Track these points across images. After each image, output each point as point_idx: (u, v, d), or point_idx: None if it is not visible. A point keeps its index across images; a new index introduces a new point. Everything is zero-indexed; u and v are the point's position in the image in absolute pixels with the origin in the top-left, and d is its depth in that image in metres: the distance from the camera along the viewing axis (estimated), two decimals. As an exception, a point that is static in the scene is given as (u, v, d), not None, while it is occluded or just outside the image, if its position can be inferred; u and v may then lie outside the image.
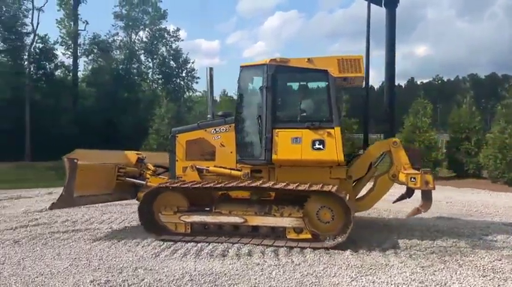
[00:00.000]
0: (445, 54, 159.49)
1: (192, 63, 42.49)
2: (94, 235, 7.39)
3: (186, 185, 6.93)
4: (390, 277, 5.15)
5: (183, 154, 7.64)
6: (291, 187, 6.61)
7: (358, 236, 7.02)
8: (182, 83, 42.26)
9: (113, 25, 40.73)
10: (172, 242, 6.66)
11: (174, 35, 41.97)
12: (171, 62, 41.82)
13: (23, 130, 29.14)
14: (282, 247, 6.34)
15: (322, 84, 7.16)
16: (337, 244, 6.29)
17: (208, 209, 7.07)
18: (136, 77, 39.52)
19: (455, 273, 5.31)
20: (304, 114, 7.02)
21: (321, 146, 6.72)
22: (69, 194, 7.01)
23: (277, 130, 6.90)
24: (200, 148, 7.58)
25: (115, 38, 39.64)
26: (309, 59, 7.04)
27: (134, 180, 7.95)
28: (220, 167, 7.40)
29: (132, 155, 8.35)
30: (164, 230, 7.07)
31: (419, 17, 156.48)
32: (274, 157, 6.87)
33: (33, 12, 32.15)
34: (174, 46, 41.82)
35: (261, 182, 6.88)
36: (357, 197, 7.59)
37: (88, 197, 7.56)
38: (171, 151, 7.75)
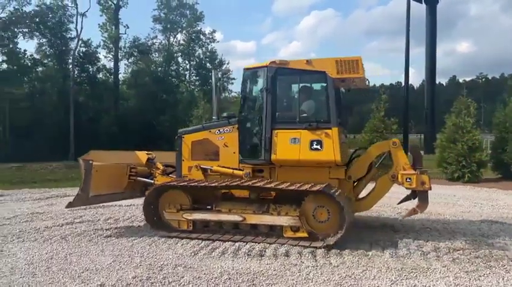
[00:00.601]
0: (489, 51, 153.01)
1: (227, 64, 42.98)
2: (135, 232, 7.61)
3: (182, 184, 7.21)
4: (432, 281, 5.02)
5: (188, 154, 7.86)
6: (281, 186, 6.72)
7: (397, 238, 6.90)
8: (218, 84, 42.73)
9: (151, 28, 41.87)
10: (210, 241, 6.76)
11: (210, 36, 42.60)
12: (207, 64, 42.42)
13: (68, 131, 30.41)
14: (271, 244, 6.52)
15: (321, 85, 7.26)
16: (333, 243, 6.32)
17: (209, 207, 7.29)
18: (174, 79, 40.36)
19: (502, 279, 5.11)
20: (303, 115, 7.11)
21: (318, 147, 6.81)
22: (85, 194, 7.41)
23: (276, 131, 7.03)
24: (205, 148, 7.78)
25: (154, 41, 40.71)
26: (307, 60, 7.12)
27: (144, 179, 8.24)
28: (224, 167, 7.58)
29: (142, 155, 8.63)
30: (168, 227, 7.33)
31: (461, 13, 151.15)
32: (273, 157, 7.01)
33: (77, 18, 33.55)
34: (210, 48, 42.46)
35: (253, 181, 7.02)
36: (359, 197, 7.61)
37: (102, 196, 7.95)
38: (178, 151, 7.97)
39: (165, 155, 8.87)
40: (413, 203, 7.21)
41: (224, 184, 7.01)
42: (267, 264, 5.66)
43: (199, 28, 41.96)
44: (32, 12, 31.48)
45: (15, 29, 30.60)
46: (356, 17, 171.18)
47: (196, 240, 6.85)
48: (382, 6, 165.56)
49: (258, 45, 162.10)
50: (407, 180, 6.72)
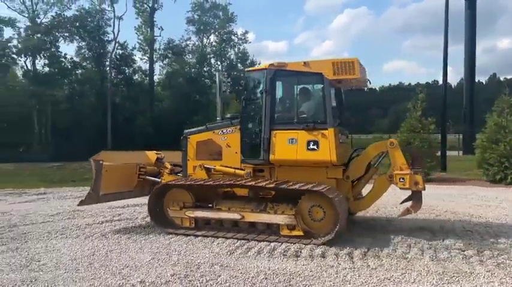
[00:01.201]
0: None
1: (258, 64, 43.04)
2: (172, 231, 7.72)
3: (180, 183, 7.64)
4: (476, 286, 4.85)
5: (193, 153, 8.11)
6: (271, 185, 6.90)
7: (436, 240, 6.72)
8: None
9: (185, 30, 42.53)
10: (246, 241, 6.80)
11: (242, 37, 42.82)
12: (239, 65, 42.65)
13: (106, 131, 31.34)
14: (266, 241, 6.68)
15: (318, 86, 7.37)
16: (327, 241, 6.46)
17: (210, 205, 7.48)
18: (207, 80, 40.83)
19: (552, 286, 4.86)
20: (300, 116, 7.23)
21: (315, 147, 6.93)
22: (96, 193, 7.73)
23: (275, 131, 7.19)
24: (209, 148, 8.00)
25: (187, 42, 41.31)
26: (305, 62, 7.24)
27: (152, 178, 8.52)
28: (226, 166, 7.79)
29: (152, 155, 8.90)
30: (171, 224, 7.59)
31: (502, 7, 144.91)
32: (271, 157, 7.18)
33: (114, 21, 34.51)
34: (241, 48, 42.68)
35: (245, 180, 7.28)
36: (359, 196, 7.69)
37: (112, 194, 8.26)
38: (184, 151, 8.22)
39: (174, 155, 9.08)
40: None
41: (218, 183, 7.32)
42: (303, 265, 5.63)
43: (231, 29, 42.31)
44: (72, 16, 32.64)
45: (57, 33, 31.80)
46: (390, 15, 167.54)
47: (232, 239, 6.91)
48: (416, 3, 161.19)
49: (290, 45, 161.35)
50: (401, 180, 6.78)
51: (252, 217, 7.12)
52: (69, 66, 32.29)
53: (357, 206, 7.61)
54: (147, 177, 8.54)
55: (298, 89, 7.45)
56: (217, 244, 6.74)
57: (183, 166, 8.28)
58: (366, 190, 7.76)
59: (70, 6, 33.21)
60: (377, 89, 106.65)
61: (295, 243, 6.54)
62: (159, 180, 8.35)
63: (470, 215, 9.15)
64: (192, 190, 7.56)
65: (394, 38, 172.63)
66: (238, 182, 7.22)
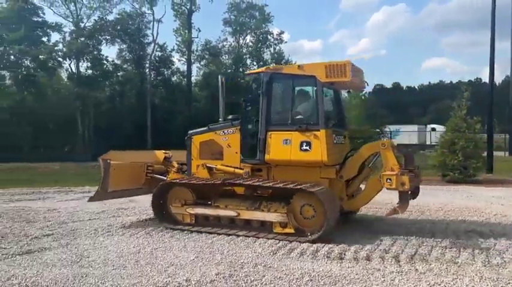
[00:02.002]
0: None
1: (295, 63, 42.76)
2: (214, 230, 7.79)
3: (177, 181, 8.17)
4: (534, 294, 4.60)
5: (197, 153, 8.48)
6: (258, 183, 7.29)
7: (487, 245, 6.44)
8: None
9: (222, 31, 42.88)
10: (288, 242, 6.76)
11: (278, 37, 42.72)
12: (274, 65, 42.55)
13: (145, 131, 32.13)
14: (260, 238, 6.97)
15: (311, 89, 7.64)
16: (317, 238, 6.68)
17: (210, 203, 7.80)
18: (242, 81, 41.01)
19: None
20: (294, 117, 7.46)
21: (307, 148, 7.16)
22: (104, 190, 8.21)
23: (270, 132, 7.47)
24: (211, 148, 8.36)
25: (224, 43, 41.65)
26: (299, 66, 7.63)
27: (159, 176, 8.87)
28: (226, 165, 8.10)
29: (160, 154, 9.34)
30: (174, 220, 7.98)
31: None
32: (266, 157, 7.47)
33: (153, 24, 35.29)
34: (277, 49, 42.58)
35: (233, 179, 7.69)
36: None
37: (120, 191, 8.74)
38: (188, 151, 8.61)
39: (182, 154, 9.22)
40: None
41: (212, 182, 7.76)
42: (348, 267, 5.53)
43: (267, 29, 42.30)
44: (114, 20, 33.68)
45: (99, 37, 32.91)
46: (429, 11, 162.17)
47: (274, 240, 6.90)
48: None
49: (325, 43, 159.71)
50: (388, 181, 6.81)
51: (247, 214, 7.40)
52: (111, 69, 33.33)
53: (350, 205, 7.74)
54: (155, 175, 8.92)
55: (293, 92, 7.66)
56: (259, 244, 6.73)
57: (187, 165, 8.70)
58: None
59: (111, 10, 34.31)
60: (416, 87, 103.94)
61: (288, 241, 6.77)
62: (165, 178, 8.71)
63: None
64: (193, 187, 7.93)
65: (433, 35, 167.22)
66: (227, 181, 7.58)
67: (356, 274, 5.25)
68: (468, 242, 6.70)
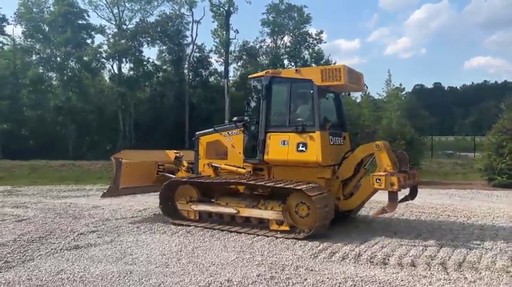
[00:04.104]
0: None
1: (334, 63, 42.22)
2: (254, 231, 7.79)
3: (177, 180, 8.65)
4: None
5: (203, 153, 8.97)
6: (252, 181, 7.66)
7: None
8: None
9: (260, 32, 42.89)
10: (329, 245, 6.66)
11: (317, 37, 42.25)
12: (313, 65, 42.17)
13: (184, 130, 32.69)
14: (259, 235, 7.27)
15: (307, 92, 7.81)
16: (310, 235, 6.96)
17: (212, 200, 8.24)
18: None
19: None
20: (292, 119, 7.77)
21: (303, 149, 7.48)
22: (116, 186, 8.76)
23: (269, 134, 7.84)
24: (216, 148, 8.83)
25: (261, 44, 41.67)
26: (297, 69, 7.99)
27: (169, 174, 9.36)
28: (230, 165, 8.51)
29: (171, 154, 9.81)
30: (180, 216, 8.46)
31: None
32: (265, 157, 7.83)
33: (192, 25, 35.82)
34: (316, 49, 42.14)
35: (228, 178, 8.13)
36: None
37: (132, 188, 9.29)
38: (195, 151, 9.09)
39: (192, 154, 9.47)
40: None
41: (210, 181, 8.26)
42: (393, 273, 5.37)
43: (306, 30, 41.95)
44: (155, 22, 34.46)
45: (141, 39, 33.78)
46: (473, 8, 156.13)
47: (313, 242, 6.82)
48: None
49: (363, 43, 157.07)
50: (377, 181, 6.94)
51: (246, 211, 7.75)
52: (152, 70, 34.12)
53: (345, 205, 7.91)
54: (165, 174, 9.41)
55: (291, 95, 7.93)
56: (300, 246, 6.68)
57: (194, 164, 9.14)
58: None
59: (152, 12, 35.11)
60: (458, 87, 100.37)
61: (285, 238, 7.02)
62: (175, 176, 9.15)
63: None
64: (197, 185, 8.36)
65: (477, 34, 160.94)
66: (225, 180, 8.01)
67: (401, 280, 5.09)
68: (520, 251, 6.36)
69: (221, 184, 8.24)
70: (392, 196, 6.98)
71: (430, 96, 78.38)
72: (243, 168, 8.31)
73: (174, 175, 9.39)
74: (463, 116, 77.38)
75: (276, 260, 5.92)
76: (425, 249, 6.45)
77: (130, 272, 5.37)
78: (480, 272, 5.39)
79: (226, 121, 9.10)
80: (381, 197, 8.04)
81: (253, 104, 8.75)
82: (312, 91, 7.62)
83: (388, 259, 5.95)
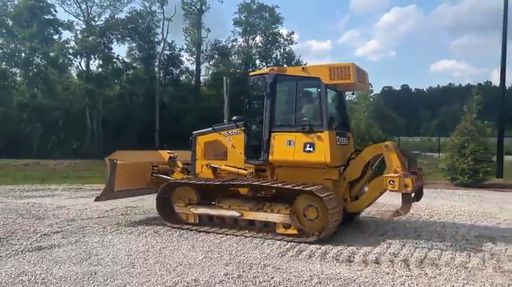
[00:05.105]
0: None
1: (305, 65, 42.58)
2: (222, 230, 7.78)
3: (176, 182, 8.25)
4: (547, 301, 4.54)
5: (201, 153, 8.61)
6: (265, 184, 7.30)
7: (498, 250, 6.37)
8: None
9: (232, 31, 42.79)
10: (296, 243, 6.74)
11: (288, 38, 42.55)
12: (284, 65, 42.38)
13: (154, 130, 32.26)
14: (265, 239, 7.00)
15: (315, 91, 7.67)
16: (320, 239, 6.74)
17: (213, 203, 7.90)
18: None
19: None
20: (298, 119, 7.51)
21: (311, 149, 7.21)
22: (111, 189, 8.31)
23: (274, 133, 7.54)
24: (215, 148, 8.48)
25: (233, 43, 41.60)
26: (303, 67, 7.78)
27: (164, 176, 8.90)
28: (230, 166, 8.17)
29: (165, 154, 9.40)
30: (178, 219, 8.05)
31: None
32: (270, 157, 7.53)
33: (163, 23, 35.32)
34: (287, 49, 42.44)
35: (229, 179, 7.81)
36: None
37: (126, 191, 8.80)
38: (192, 151, 8.70)
39: (187, 154, 9.24)
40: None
41: (210, 182, 7.82)
42: (357, 270, 5.50)
43: (277, 30, 42.15)
44: (125, 19, 33.78)
45: (110, 35, 33.03)
46: (439, 12, 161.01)
47: (281, 241, 6.89)
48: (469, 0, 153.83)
49: (334, 44, 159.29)
50: (391, 183, 6.78)
51: (250, 215, 7.45)
52: (121, 67, 33.44)
53: (353, 207, 7.72)
54: (160, 175, 8.96)
55: (297, 93, 7.68)
56: (268, 245, 6.73)
57: (191, 165, 8.76)
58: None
59: (122, 8, 34.38)
60: (425, 90, 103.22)
61: (292, 242, 6.79)
62: (169, 178, 8.76)
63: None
64: (196, 187, 7.99)
65: (443, 38, 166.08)
66: (232, 182, 7.66)
67: (365, 277, 5.22)
68: (478, 247, 6.64)
69: (226, 186, 7.82)
70: (406, 197, 6.85)
71: (397, 98, 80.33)
72: (245, 169, 7.99)
73: (169, 176, 8.98)
74: (430, 118, 79.61)
75: (244, 259, 5.95)
76: (389, 247, 6.63)
77: (95, 273, 5.27)
78: (440, 268, 5.60)
79: (225, 120, 8.75)
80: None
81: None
82: (319, 89, 7.42)
83: (354, 257, 6.08)
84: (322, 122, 7.24)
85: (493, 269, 5.56)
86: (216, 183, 7.73)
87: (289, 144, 7.38)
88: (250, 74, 8.31)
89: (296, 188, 6.95)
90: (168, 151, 9.58)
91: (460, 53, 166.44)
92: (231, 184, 7.71)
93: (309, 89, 7.90)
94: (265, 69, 8.01)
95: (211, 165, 8.39)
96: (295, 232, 7.03)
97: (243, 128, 8.00)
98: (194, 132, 8.86)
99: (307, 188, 6.83)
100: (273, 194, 7.66)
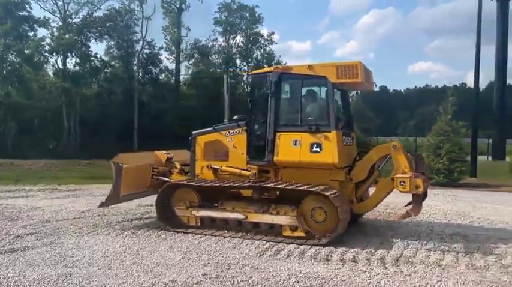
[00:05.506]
0: None
1: (285, 64, 42.76)
2: (201, 231, 7.75)
3: (176, 183, 7.97)
4: (516, 297, 4.68)
5: (201, 154, 8.33)
6: (280, 185, 7.07)
7: (471, 248, 6.53)
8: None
9: (212, 31, 42.62)
10: (275, 243, 6.76)
11: (268, 38, 42.66)
12: (265, 65, 42.49)
13: (132, 129, 31.86)
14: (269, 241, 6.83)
15: (321, 90, 7.56)
16: (329, 241, 6.58)
17: (216, 205, 7.72)
18: (233, 81, 40.85)
19: None
20: (304, 118, 7.36)
21: (318, 149, 7.04)
22: (116, 194, 7.89)
23: (279, 133, 7.34)
24: (216, 149, 8.21)
25: (214, 43, 41.45)
26: (309, 66, 7.40)
27: (164, 178, 8.55)
28: (232, 167, 7.92)
29: (162, 155, 9.04)
30: (179, 222, 7.80)
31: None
32: (275, 158, 7.32)
33: (142, 21, 34.93)
34: (267, 49, 42.57)
35: (247, 181, 7.47)
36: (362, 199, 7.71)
37: (130, 195, 8.44)
38: (192, 152, 8.42)
39: (181, 154, 9.13)
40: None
41: (210, 184, 7.59)
42: (335, 269, 5.55)
43: (257, 30, 42.22)
44: (103, 16, 33.25)
45: (88, 33, 32.46)
46: (417, 14, 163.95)
47: (260, 241, 6.90)
48: (446, 3, 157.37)
49: (314, 45, 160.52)
50: (402, 183, 6.74)
51: (256, 217, 7.29)
52: (99, 65, 32.90)
53: (360, 208, 7.64)
54: (160, 177, 8.63)
55: (303, 92, 7.56)
56: (247, 244, 6.73)
57: (191, 166, 8.49)
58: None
59: (100, 6, 33.81)
60: (402, 91, 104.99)
61: (300, 244, 6.64)
62: (169, 180, 8.47)
63: (505, 222, 8.87)
64: (198, 189, 7.76)
65: (420, 39, 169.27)
66: (238, 183, 7.43)
67: (342, 276, 5.27)
68: (452, 245, 6.79)
69: (229, 187, 7.60)
70: (417, 198, 6.81)
71: (375, 98, 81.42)
72: (247, 170, 7.74)
73: (167, 177, 8.63)
74: (407, 118, 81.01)
75: (222, 259, 5.94)
76: (367, 245, 6.71)
77: (70, 275, 5.17)
78: (415, 266, 5.71)
79: (225, 120, 8.53)
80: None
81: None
82: (326, 88, 7.28)
83: (331, 256, 6.14)
84: (330, 121, 7.08)
85: (465, 266, 5.70)
86: (225, 185, 7.47)
87: (295, 144, 7.19)
88: (252, 72, 8.10)
89: (312, 189, 6.75)
90: (165, 151, 9.21)
91: (437, 55, 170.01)
92: (241, 186, 7.46)
93: (315, 88, 7.78)
94: (268, 68, 7.81)
95: (212, 166, 8.13)
96: (302, 234, 6.87)
97: (245, 127, 7.78)
98: (194, 132, 8.59)
99: (326, 193, 6.62)
100: (277, 196, 7.48)
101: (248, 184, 7.35)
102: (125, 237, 7.21)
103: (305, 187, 6.88)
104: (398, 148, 7.10)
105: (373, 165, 7.47)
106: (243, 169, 7.79)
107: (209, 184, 7.58)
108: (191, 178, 8.26)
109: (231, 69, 41.07)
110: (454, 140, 16.27)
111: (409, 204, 7.23)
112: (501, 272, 5.50)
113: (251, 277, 5.16)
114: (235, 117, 8.24)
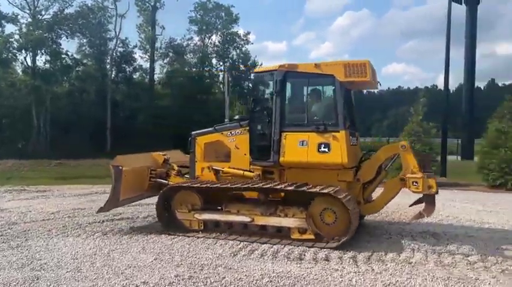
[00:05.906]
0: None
1: (260, 65, 42.89)
2: (174, 231, 7.67)
3: (177, 185, 7.66)
4: (482, 293, 4.82)
5: (201, 155, 8.07)
6: (291, 188, 6.77)
7: (440, 245, 6.70)
8: (251, 85, 42.84)
9: (187, 30, 42.32)
10: (249, 243, 6.76)
11: (245, 38, 42.69)
12: (241, 65, 42.51)
13: (105, 128, 31.29)
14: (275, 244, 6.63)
15: (329, 88, 7.41)
16: (340, 244, 6.42)
17: (220, 208, 7.46)
18: (208, 80, 40.69)
19: (558, 294, 4.84)
20: (311, 118, 7.21)
21: (326, 149, 6.87)
22: (116, 198, 7.61)
23: (285, 133, 7.14)
24: (217, 149, 7.97)
25: (189, 42, 41.17)
26: (316, 64, 7.20)
27: (162, 180, 8.29)
28: (234, 168, 7.71)
29: (159, 157, 8.76)
30: (180, 226, 7.53)
31: (501, 13, 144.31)
32: (281, 159, 7.12)
33: (116, 19, 34.37)
34: (243, 49, 42.59)
35: (253, 182, 7.20)
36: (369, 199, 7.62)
37: (130, 198, 8.19)
38: (191, 153, 8.17)
39: (175, 154, 9.00)
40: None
41: (214, 185, 7.31)
42: (307, 268, 5.59)
43: (234, 30, 42.18)
44: (75, 13, 32.50)
45: (59, 30, 31.68)
46: (391, 17, 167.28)
47: (234, 241, 6.87)
48: (418, 6, 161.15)
49: (289, 46, 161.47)
50: (414, 184, 6.70)
51: (262, 219, 7.07)
52: (71, 63, 32.16)
53: (368, 209, 7.52)
54: (158, 179, 8.35)
55: (309, 91, 7.44)
56: (220, 245, 6.70)
57: (190, 168, 8.22)
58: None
59: (72, 3, 33.04)
60: (375, 92, 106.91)
61: (309, 247, 6.46)
62: (166, 182, 8.22)
63: (472, 220, 9.13)
64: (201, 192, 7.49)
65: (395, 41, 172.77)
66: (246, 185, 7.12)
67: (315, 275, 5.32)
68: (422, 243, 6.94)
69: (233, 189, 7.34)
70: (429, 199, 6.75)
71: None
72: (250, 171, 7.53)
73: (164, 180, 8.34)
74: (381, 119, 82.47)
75: (196, 260, 5.90)
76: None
77: (37, 279, 5.04)
78: (386, 264, 5.81)
79: (226, 120, 8.33)
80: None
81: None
82: (334, 87, 7.09)
83: (304, 255, 6.18)
84: (338, 121, 6.91)
85: (434, 263, 5.84)
86: (234, 186, 7.20)
87: (302, 144, 6.99)
88: (255, 70, 7.88)
89: (324, 191, 6.52)
90: (162, 153, 8.90)
91: (409, 57, 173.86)
92: (249, 187, 7.14)
93: (323, 87, 7.65)
94: (273, 66, 7.48)
95: (213, 167, 7.88)
96: (312, 236, 6.71)
97: (248, 127, 7.56)
98: (193, 132, 8.35)
99: (339, 195, 6.45)
100: (284, 197, 7.27)
101: (256, 185, 7.04)
102: (95, 239, 7.07)
103: (317, 188, 6.67)
104: (407, 147, 7.03)
105: (381, 165, 7.40)
106: (246, 170, 7.59)
107: (215, 186, 7.31)
108: (192, 180, 7.99)
109: (206, 69, 40.91)
110: (425, 140, 16.60)
111: (414, 204, 7.26)
112: (467, 269, 5.65)
113: (224, 278, 5.15)
114: (237, 117, 8.09)
